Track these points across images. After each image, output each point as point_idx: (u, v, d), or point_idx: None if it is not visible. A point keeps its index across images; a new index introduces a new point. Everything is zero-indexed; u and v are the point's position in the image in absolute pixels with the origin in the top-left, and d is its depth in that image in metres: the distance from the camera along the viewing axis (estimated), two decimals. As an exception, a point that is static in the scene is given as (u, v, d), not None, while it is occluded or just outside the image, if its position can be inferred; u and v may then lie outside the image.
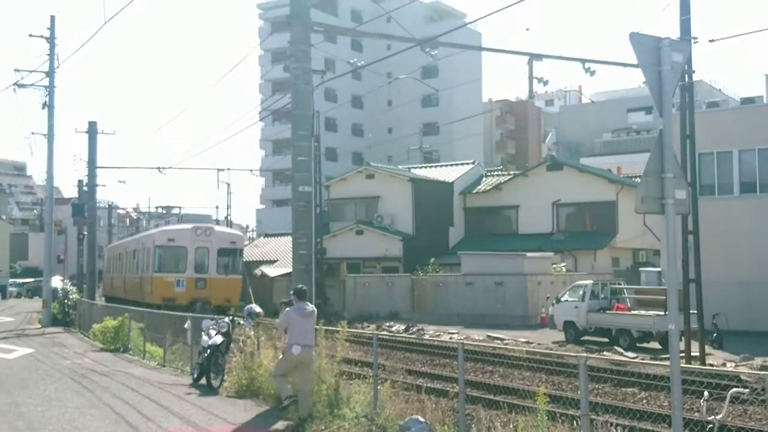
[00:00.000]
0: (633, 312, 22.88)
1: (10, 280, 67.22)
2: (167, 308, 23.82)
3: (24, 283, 67.61)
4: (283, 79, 56.91)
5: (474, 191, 43.46)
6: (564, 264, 35.45)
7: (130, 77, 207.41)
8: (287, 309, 10.80)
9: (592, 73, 14.76)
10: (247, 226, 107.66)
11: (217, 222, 63.23)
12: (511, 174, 45.78)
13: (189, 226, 29.23)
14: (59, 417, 10.78)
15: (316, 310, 11.11)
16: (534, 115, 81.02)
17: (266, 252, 51.86)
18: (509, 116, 79.17)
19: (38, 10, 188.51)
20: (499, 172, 47.37)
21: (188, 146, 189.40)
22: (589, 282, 24.63)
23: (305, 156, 14.42)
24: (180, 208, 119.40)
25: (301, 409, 10.43)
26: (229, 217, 57.40)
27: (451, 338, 24.10)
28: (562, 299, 24.47)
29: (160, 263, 28.32)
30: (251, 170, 49.36)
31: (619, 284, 25.28)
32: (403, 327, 28.31)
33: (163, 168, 37.43)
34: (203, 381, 13.51)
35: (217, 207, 64.94)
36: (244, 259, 31.02)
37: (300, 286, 11.34)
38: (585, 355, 9.09)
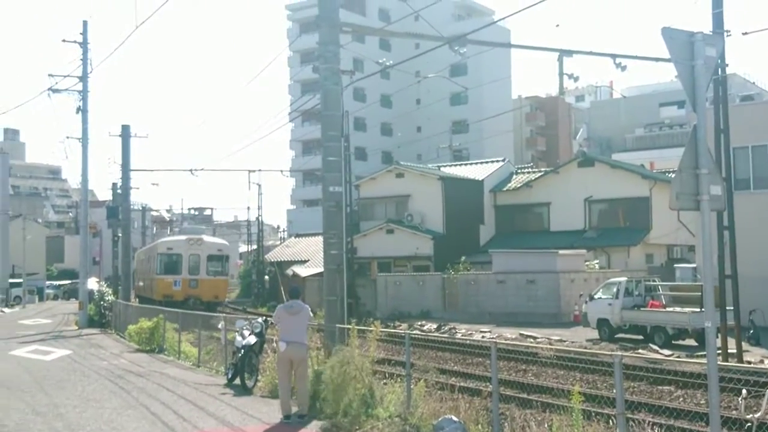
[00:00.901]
0: (668, 309, 22.62)
1: (47, 282, 68.45)
2: (166, 304, 29.28)
3: (60, 285, 68.82)
4: (312, 79, 57.20)
5: (504, 189, 43.25)
6: (597, 261, 35.15)
7: (162, 80, 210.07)
8: (278, 306, 11.20)
9: (623, 68, 14.61)
10: (278, 227, 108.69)
11: (249, 223, 64.62)
12: (542, 171, 45.49)
13: (184, 237, 37.16)
14: (97, 418, 10.96)
15: (307, 308, 11.25)
16: (564, 111, 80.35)
17: (297, 252, 52.20)
18: (539, 113, 78.62)
19: (71, 15, 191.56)
20: (530, 170, 47.09)
21: (219, 148, 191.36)
22: (623, 279, 24.41)
23: (335, 156, 14.48)
24: (212, 209, 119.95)
25: (299, 407, 10.54)
26: (260, 217, 57.90)
27: (483, 337, 24.04)
28: (596, 297, 24.29)
29: (162, 267, 35.90)
30: (281, 171, 49.86)
31: (654, 281, 25.00)
32: (434, 326, 28.32)
33: (195, 170, 37.88)
34: (237, 381, 13.63)
35: (248, 208, 65.76)
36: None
37: (294, 285, 11.77)
38: (620, 353, 9.02)
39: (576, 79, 27.39)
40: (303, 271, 44.76)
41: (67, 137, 34.63)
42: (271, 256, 54.71)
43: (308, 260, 48.27)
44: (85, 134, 33.13)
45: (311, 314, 11.56)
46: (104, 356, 20.20)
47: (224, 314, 18.85)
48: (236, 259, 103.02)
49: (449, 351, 20.45)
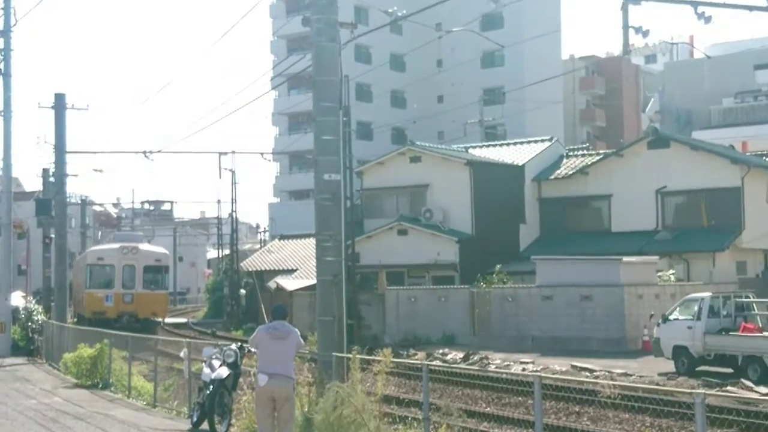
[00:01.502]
0: (766, 333, 22.50)
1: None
2: (97, 323, 32.20)
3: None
4: (301, 34, 57.17)
5: (552, 177, 43.15)
6: (672, 271, 35.02)
7: (108, 38, 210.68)
8: (259, 327, 11.35)
9: (708, 19, 14.56)
10: (258, 226, 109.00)
11: (219, 220, 64.93)
12: (601, 153, 45.33)
13: (117, 245, 40.66)
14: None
15: (296, 332, 11.31)
16: (630, 75, 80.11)
17: (282, 259, 52.32)
18: (598, 78, 78.42)
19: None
20: (585, 152, 46.97)
21: (181, 125, 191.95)
22: (707, 295, 24.32)
23: (331, 134, 14.50)
24: (172, 203, 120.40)
25: None
26: (234, 213, 57.93)
27: (524, 369, 23.99)
28: (671, 318, 24.22)
29: (91, 280, 39.23)
30: (261, 154, 49.55)
31: (747, 297, 24.89)
32: (460, 355, 28.30)
33: (150, 152, 37.81)
34: (205, 425, 13.68)
35: (218, 201, 65.49)
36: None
37: (278, 303, 11.89)
38: (702, 391, 8.99)
39: (645, 34, 27.03)
40: (289, 283, 44.82)
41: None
42: (249, 264, 54.81)
43: (296, 269, 48.30)
44: (8, 105, 33.15)
45: (302, 340, 11.58)
46: (33, 393, 20.28)
47: (188, 339, 18.89)
48: (203, 267, 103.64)
49: (480, 388, 20.45)
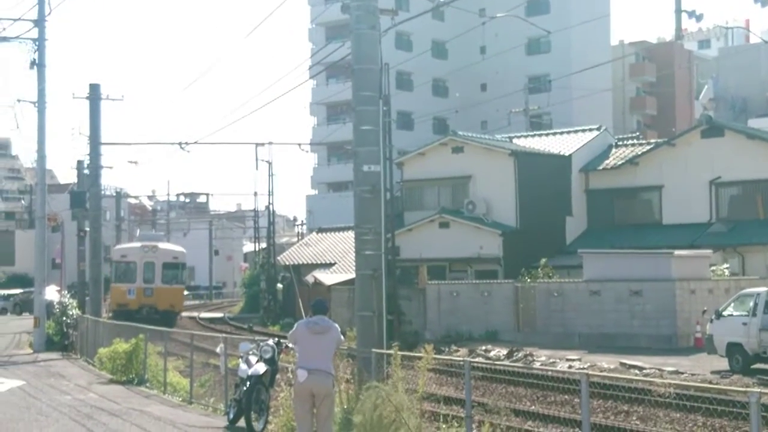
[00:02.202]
0: (825, 331, 22.20)
1: (-7, 292, 69.78)
2: (120, 313, 38.88)
3: (10, 296, 70.12)
4: (340, 21, 57.35)
5: (600, 167, 42.86)
6: (727, 265, 34.64)
7: (143, 28, 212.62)
8: (298, 322, 11.36)
9: (765, 2, 14.32)
10: (295, 218, 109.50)
11: (256, 213, 65.47)
12: (652, 143, 44.90)
13: (138, 244, 47.04)
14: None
15: (336, 328, 11.34)
16: (683, 61, 79.16)
17: (320, 252, 52.51)
18: (648, 64, 77.64)
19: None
20: (635, 141, 46.57)
21: (217, 116, 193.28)
22: (763, 290, 24.03)
23: (371, 124, 14.54)
24: (208, 195, 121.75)
25: None
26: (271, 206, 58.26)
27: (570, 367, 23.91)
28: (725, 313, 23.99)
29: (116, 275, 45.38)
30: (299, 145, 49.87)
31: (805, 293, 24.53)
32: (504, 351, 28.27)
33: (186, 143, 38.18)
34: (242, 423, 13.79)
35: (255, 194, 65.79)
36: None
37: (318, 298, 11.81)
38: (758, 390, 8.90)
39: (699, 18, 26.86)
40: (328, 277, 44.99)
41: (18, 100, 35.28)
42: (286, 258, 55.09)
43: (334, 263, 48.45)
44: (42, 96, 33.65)
45: (342, 337, 11.60)
46: (67, 389, 20.59)
47: (224, 334, 19.07)
48: (240, 261, 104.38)
49: (524, 385, 20.41)
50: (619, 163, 42.30)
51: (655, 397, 16.99)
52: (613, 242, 37.65)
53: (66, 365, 27.14)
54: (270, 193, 57.31)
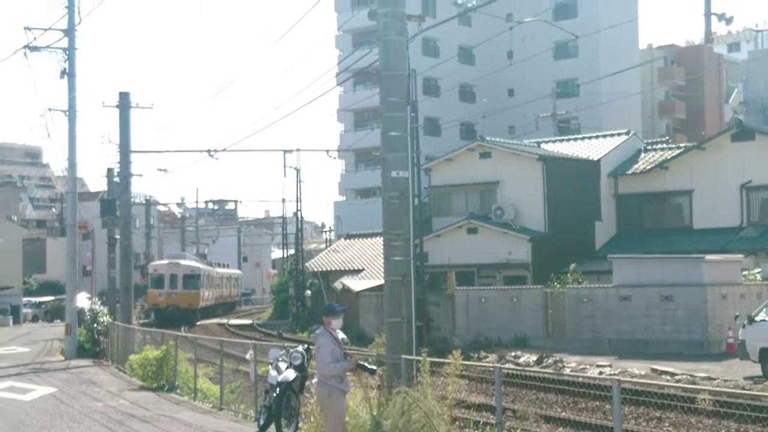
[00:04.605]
0: None
1: (24, 299, 70.21)
2: (154, 311, 60.11)
3: (41, 303, 70.77)
4: (367, 28, 57.39)
5: (629, 172, 42.64)
6: (759, 270, 34.32)
7: (171, 37, 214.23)
8: (318, 334, 11.41)
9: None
10: (323, 225, 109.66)
11: (284, 220, 66.44)
12: (682, 147, 44.65)
13: (166, 261, 65.08)
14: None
15: (317, 334, 11.50)
16: (712, 65, 78.59)
17: (348, 258, 52.57)
18: (677, 68, 77.15)
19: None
20: (665, 145, 46.33)
21: (245, 124, 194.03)
22: (796, 295, 23.79)
23: (398, 130, 14.55)
24: (236, 202, 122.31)
25: None
26: (299, 213, 58.47)
27: (601, 373, 23.77)
28: (758, 319, 23.75)
29: (151, 283, 62.14)
30: (327, 151, 49.83)
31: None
32: (534, 357, 28.18)
33: (214, 151, 38.40)
34: (272, 429, 13.81)
35: (283, 200, 66.53)
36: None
37: (330, 303, 12.06)
38: (792, 396, 8.83)
39: (729, 21, 26.57)
40: (356, 284, 45.03)
41: (49, 109, 35.53)
42: (314, 264, 55.21)
43: (362, 269, 48.47)
44: (73, 105, 33.95)
45: (320, 341, 11.45)
46: (99, 396, 20.74)
47: (254, 341, 19.17)
48: (268, 268, 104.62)
49: (554, 392, 20.33)
50: (649, 167, 42.06)
51: (686, 403, 16.86)
52: (643, 247, 37.42)
53: (97, 372, 27.34)
54: (298, 200, 57.64)
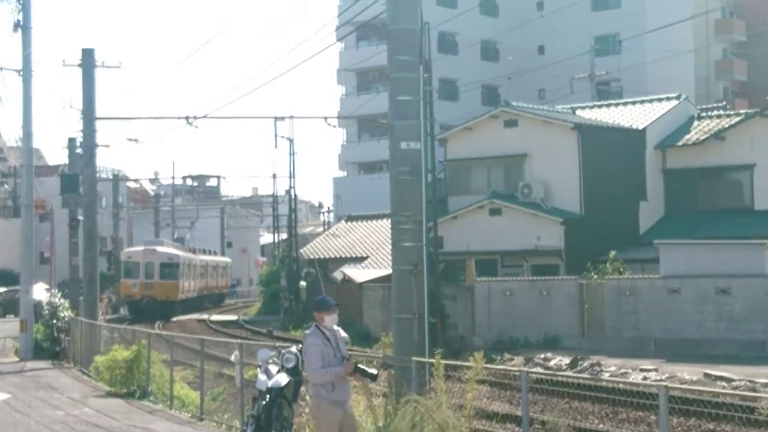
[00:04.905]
0: None
1: (-29, 291, 70.41)
2: (128, 303, 63.36)
3: (-9, 295, 70.83)
4: (371, -27, 57.18)
5: (680, 143, 42.59)
6: (832, 259, 34.30)
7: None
8: (308, 334, 11.26)
9: None
10: (320, 205, 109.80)
11: (275, 198, 66.44)
12: (742, 114, 44.53)
13: (141, 247, 66.55)
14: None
15: (305, 335, 11.38)
16: (778, 16, 78.27)
17: (350, 244, 52.68)
18: (737, 21, 76.85)
19: None
20: (722, 112, 46.22)
21: (228, 87, 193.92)
22: None
23: (409, 94, 14.54)
24: (219, 177, 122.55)
25: None
26: (293, 190, 58.44)
27: (645, 378, 23.80)
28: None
29: (125, 272, 64.72)
30: (325, 118, 49.62)
31: None
32: (567, 360, 28.19)
33: (194, 118, 38.32)
34: (260, 443, 13.86)
35: (274, 176, 65.96)
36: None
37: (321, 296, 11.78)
38: None
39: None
40: (359, 274, 45.10)
41: (0, 68, 35.55)
42: (310, 251, 55.35)
43: (367, 257, 48.57)
44: (28, 63, 33.93)
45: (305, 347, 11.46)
46: (59, 403, 20.82)
47: (240, 340, 19.16)
48: (256, 255, 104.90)
49: (590, 400, 20.36)
50: (703, 137, 41.98)
51: (746, 414, 16.87)
52: (696, 231, 37.40)
53: (57, 375, 27.43)
54: (291, 176, 57.42)
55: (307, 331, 11.37)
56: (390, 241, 14.91)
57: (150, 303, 60.93)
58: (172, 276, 64.23)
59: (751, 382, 22.66)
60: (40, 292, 39.70)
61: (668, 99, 45.92)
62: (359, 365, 11.14)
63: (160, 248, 66.25)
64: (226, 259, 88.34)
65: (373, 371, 11.25)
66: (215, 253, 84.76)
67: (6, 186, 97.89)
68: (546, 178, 40.91)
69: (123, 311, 66.70)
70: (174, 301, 64.33)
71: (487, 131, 43.10)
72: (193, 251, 74.84)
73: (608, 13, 66.39)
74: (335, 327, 11.19)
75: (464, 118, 47.49)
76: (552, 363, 28.25)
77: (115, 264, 70.01)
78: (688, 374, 24.47)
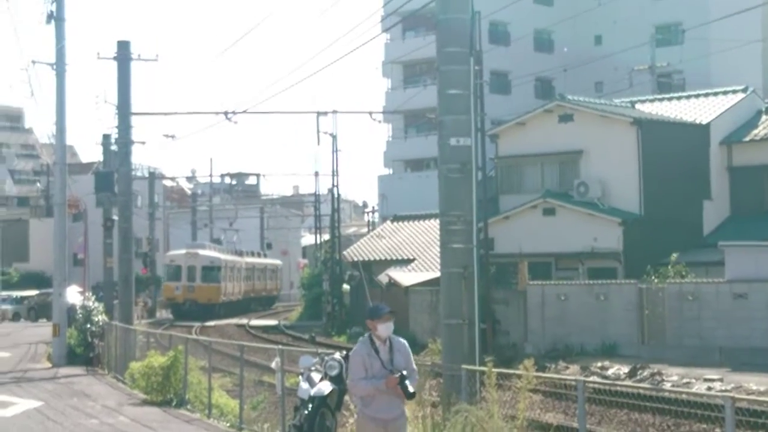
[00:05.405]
0: None
1: (3, 294, 71.32)
2: (170, 305, 68.55)
3: (23, 298, 71.69)
4: (419, -40, 57.18)
5: (747, 138, 42.27)
6: None
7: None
8: (359, 342, 10.82)
9: None
10: (365, 204, 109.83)
11: (317, 198, 67.15)
12: (813, 107, 44.09)
13: (183, 251, 70.51)
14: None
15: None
16: None
17: (396, 245, 52.66)
18: (807, 8, 75.92)
19: None
20: (791, 105, 45.80)
21: (269, 81, 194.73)
22: None
23: (459, 87, 14.53)
24: (258, 176, 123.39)
25: None
26: (335, 188, 58.57)
27: (709, 389, 23.62)
28: None
29: (167, 275, 69.34)
30: (370, 113, 49.68)
31: None
32: (626, 369, 28.09)
33: (232, 114, 38.51)
34: (302, 454, 13.90)
35: (316, 174, 66.13)
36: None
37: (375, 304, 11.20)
38: None
39: None
40: (405, 277, 45.10)
41: (33, 62, 35.91)
42: (354, 253, 55.39)
43: (413, 259, 48.52)
44: (62, 56, 34.22)
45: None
46: (93, 411, 20.99)
47: (281, 346, 19.16)
48: (297, 257, 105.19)
49: (651, 411, 20.24)
50: (771, 133, 41.66)
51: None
52: (764, 232, 37.03)
53: (91, 382, 27.66)
54: (334, 173, 57.59)
55: (360, 338, 10.95)
56: (438, 242, 14.90)
57: (192, 306, 65.70)
58: (214, 279, 68.57)
59: (823, 393, 22.45)
60: (73, 295, 40.02)
61: (734, 92, 45.56)
62: (405, 380, 10.49)
63: (202, 251, 70.08)
64: (276, 262, 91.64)
65: (412, 390, 10.60)
66: (264, 256, 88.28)
67: (39, 184, 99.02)
68: (603, 176, 40.70)
69: (159, 315, 67.46)
70: (216, 303, 68.39)
71: (540, 126, 42.98)
72: (240, 254, 78.49)
73: (670, 1, 65.87)
74: (393, 336, 10.73)
75: (516, 112, 47.39)
76: (610, 372, 28.13)
77: (151, 266, 71.41)
78: (755, 385, 24.30)
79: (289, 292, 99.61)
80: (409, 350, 10.84)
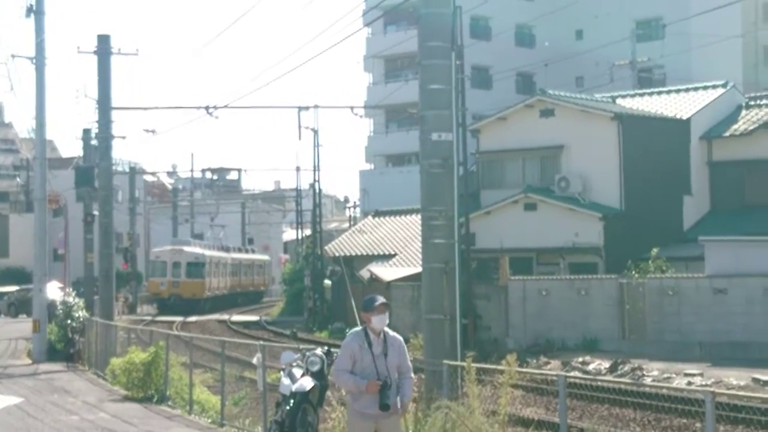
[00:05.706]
0: None
1: (-18, 290, 71.00)
2: (156, 300, 70.53)
3: (3, 294, 71.40)
4: (400, -45, 57.14)
5: (727, 133, 42.37)
6: None
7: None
8: (350, 332, 10.74)
9: None
10: (346, 199, 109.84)
11: (299, 193, 67.23)
12: (792, 102, 44.22)
13: (169, 247, 72.86)
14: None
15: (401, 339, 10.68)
16: (831, -1, 77.64)
17: (377, 241, 52.64)
18: (787, 3, 76.23)
19: None
20: (771, 101, 45.93)
21: (250, 75, 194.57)
22: None
23: (441, 82, 14.52)
24: (240, 171, 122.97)
25: None
26: (317, 183, 58.51)
27: (689, 383, 23.69)
28: None
29: (153, 271, 72.24)
30: (351, 108, 49.61)
31: None
32: (607, 364, 28.17)
33: (214, 108, 38.42)
34: (284, 450, 13.88)
35: (298, 169, 66.07)
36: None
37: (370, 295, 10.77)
38: None
39: None
40: (386, 272, 45.09)
41: (13, 56, 35.76)
42: (335, 248, 55.32)
43: (395, 254, 48.52)
44: (41, 50, 34.08)
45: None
46: (74, 407, 20.93)
47: (262, 342, 19.22)
48: (279, 252, 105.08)
49: (632, 406, 20.31)
50: (752, 127, 41.78)
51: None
52: (744, 227, 37.19)
53: (72, 378, 27.59)
54: (316, 168, 57.49)
55: (353, 330, 10.79)
56: (420, 237, 14.90)
57: (177, 301, 67.55)
58: (198, 275, 70.34)
59: (802, 387, 22.56)
60: (53, 290, 39.91)
61: (714, 87, 45.67)
62: (388, 388, 10.23)
63: (186, 248, 72.07)
64: (264, 257, 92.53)
65: (387, 402, 10.22)
66: (252, 251, 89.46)
67: (18, 179, 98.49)
68: (584, 171, 40.77)
69: (140, 311, 67.34)
70: (201, 298, 69.96)
71: (521, 121, 43.02)
72: (226, 249, 79.81)
73: (651, -4, 66.01)
74: (388, 332, 10.50)
75: (498, 107, 47.42)
76: (591, 367, 28.21)
77: (131, 261, 71.90)
78: (735, 379, 24.38)
79: (270, 288, 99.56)
80: (405, 348, 10.65)
